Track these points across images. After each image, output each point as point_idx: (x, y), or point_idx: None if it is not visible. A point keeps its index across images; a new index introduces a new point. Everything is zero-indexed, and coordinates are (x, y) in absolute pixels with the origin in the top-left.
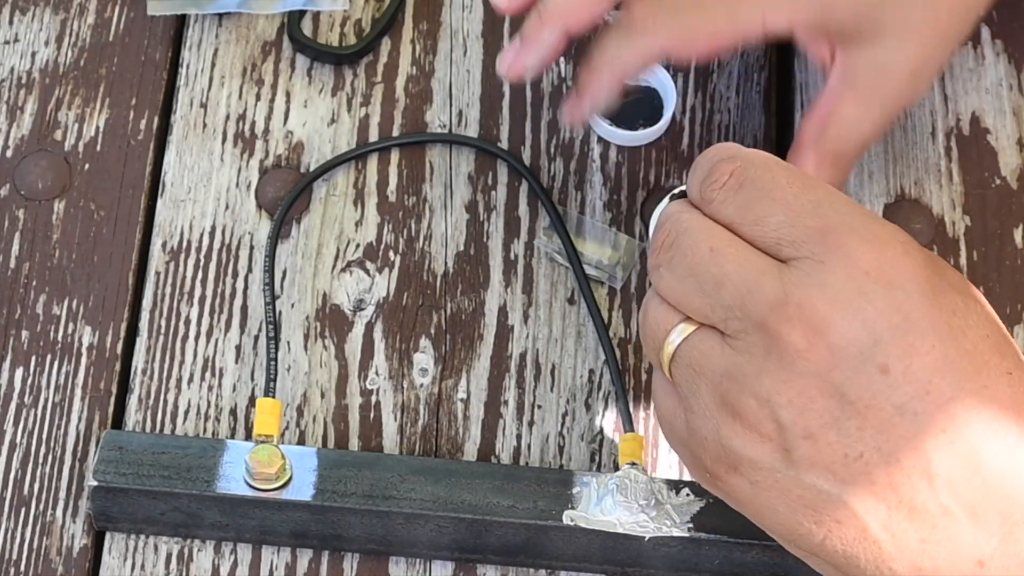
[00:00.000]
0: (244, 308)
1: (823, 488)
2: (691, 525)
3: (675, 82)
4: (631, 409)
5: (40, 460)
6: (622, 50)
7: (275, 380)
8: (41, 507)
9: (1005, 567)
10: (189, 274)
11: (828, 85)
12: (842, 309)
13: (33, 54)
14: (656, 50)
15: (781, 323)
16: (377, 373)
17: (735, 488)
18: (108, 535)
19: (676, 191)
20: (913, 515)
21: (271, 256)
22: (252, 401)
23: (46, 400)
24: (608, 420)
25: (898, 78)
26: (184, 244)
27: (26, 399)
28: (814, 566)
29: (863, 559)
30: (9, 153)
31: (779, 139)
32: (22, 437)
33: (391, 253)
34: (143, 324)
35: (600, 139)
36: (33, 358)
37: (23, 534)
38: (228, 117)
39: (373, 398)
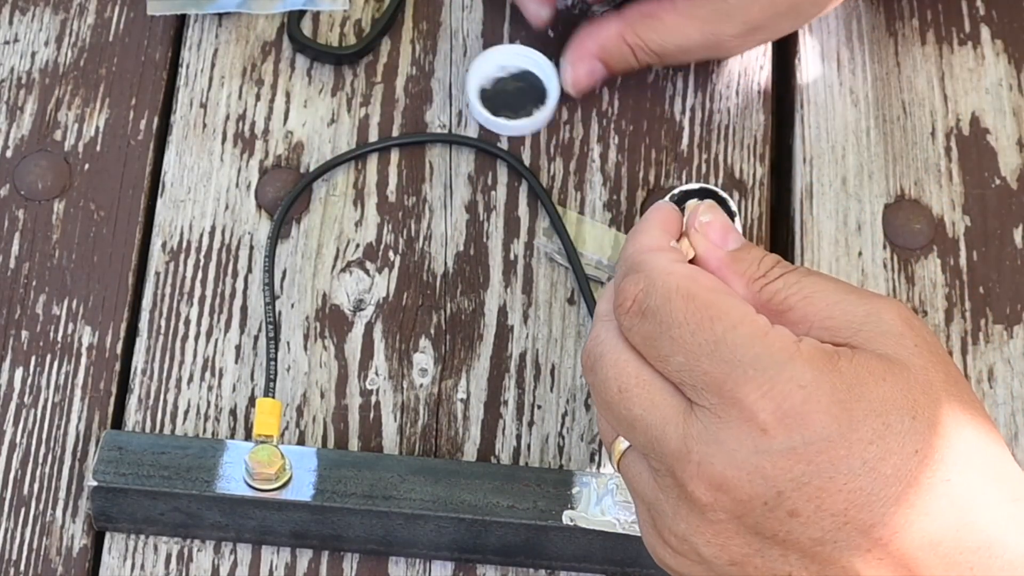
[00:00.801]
0: (244, 308)
1: None
2: None
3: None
4: None
5: (40, 460)
6: None
7: (275, 380)
8: (41, 507)
9: None
10: (189, 274)
11: None
12: (739, 469)
13: (33, 54)
14: None
15: (685, 477)
16: (377, 373)
17: None
18: (108, 535)
19: (676, 191)
20: None
21: (271, 256)
22: (252, 401)
23: (46, 400)
24: None
25: (732, 26)
26: (184, 244)
27: (26, 399)
28: None
29: None
30: (9, 153)
31: (779, 139)
32: (22, 437)
33: (391, 253)
34: (143, 324)
35: (600, 139)
36: (33, 358)
37: (23, 534)
38: (228, 117)
39: (373, 398)
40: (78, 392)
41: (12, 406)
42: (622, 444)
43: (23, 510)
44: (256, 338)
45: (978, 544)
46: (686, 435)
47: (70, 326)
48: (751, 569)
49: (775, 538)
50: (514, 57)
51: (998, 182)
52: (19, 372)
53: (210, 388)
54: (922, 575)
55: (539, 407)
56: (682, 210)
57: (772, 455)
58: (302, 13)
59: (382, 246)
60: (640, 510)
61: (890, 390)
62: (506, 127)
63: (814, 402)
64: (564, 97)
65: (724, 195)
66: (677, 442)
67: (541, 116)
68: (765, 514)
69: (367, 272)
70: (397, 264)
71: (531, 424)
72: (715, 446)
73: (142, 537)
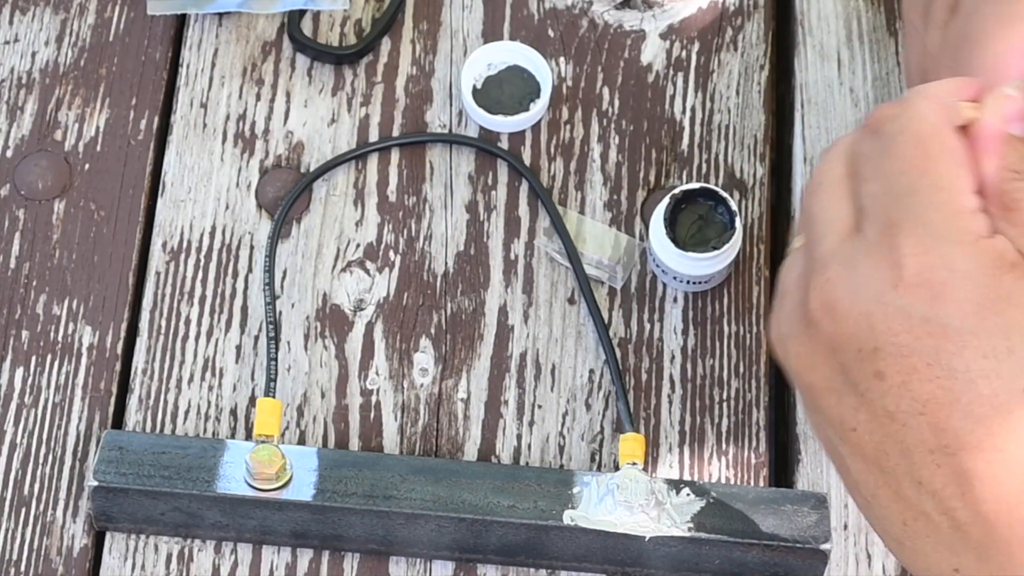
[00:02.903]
0: (244, 308)
1: (826, 432)
2: (691, 525)
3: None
4: (631, 409)
5: (40, 460)
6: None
7: (275, 380)
8: (41, 507)
9: None
10: (189, 274)
11: None
12: (853, 304)
13: (33, 54)
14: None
15: (811, 286)
16: (377, 373)
17: None
18: (108, 535)
19: (676, 191)
20: (898, 499)
21: (271, 256)
22: (252, 401)
23: (46, 400)
24: (608, 420)
25: None
26: (184, 244)
27: (26, 399)
28: None
29: (859, 503)
30: (9, 153)
31: (779, 139)
32: (22, 437)
33: (391, 253)
34: (143, 324)
35: (600, 139)
36: (33, 358)
37: (23, 534)
38: (228, 117)
39: (373, 398)
40: (78, 392)
41: (12, 406)
42: (797, 243)
43: (24, 510)
44: (256, 338)
45: None
46: (835, 251)
47: (70, 326)
48: (823, 403)
49: (855, 388)
50: (501, 53)
51: None
52: (19, 372)
53: (210, 388)
54: (975, 501)
55: (540, 407)
56: (683, 209)
57: (888, 310)
58: (302, 13)
59: (382, 246)
60: (776, 296)
61: None
62: (504, 124)
63: (955, 289)
64: (562, 92)
65: (724, 195)
66: (825, 253)
67: (537, 109)
68: (856, 360)
69: (367, 272)
70: (397, 264)
71: (532, 424)
72: (849, 273)
73: (143, 537)
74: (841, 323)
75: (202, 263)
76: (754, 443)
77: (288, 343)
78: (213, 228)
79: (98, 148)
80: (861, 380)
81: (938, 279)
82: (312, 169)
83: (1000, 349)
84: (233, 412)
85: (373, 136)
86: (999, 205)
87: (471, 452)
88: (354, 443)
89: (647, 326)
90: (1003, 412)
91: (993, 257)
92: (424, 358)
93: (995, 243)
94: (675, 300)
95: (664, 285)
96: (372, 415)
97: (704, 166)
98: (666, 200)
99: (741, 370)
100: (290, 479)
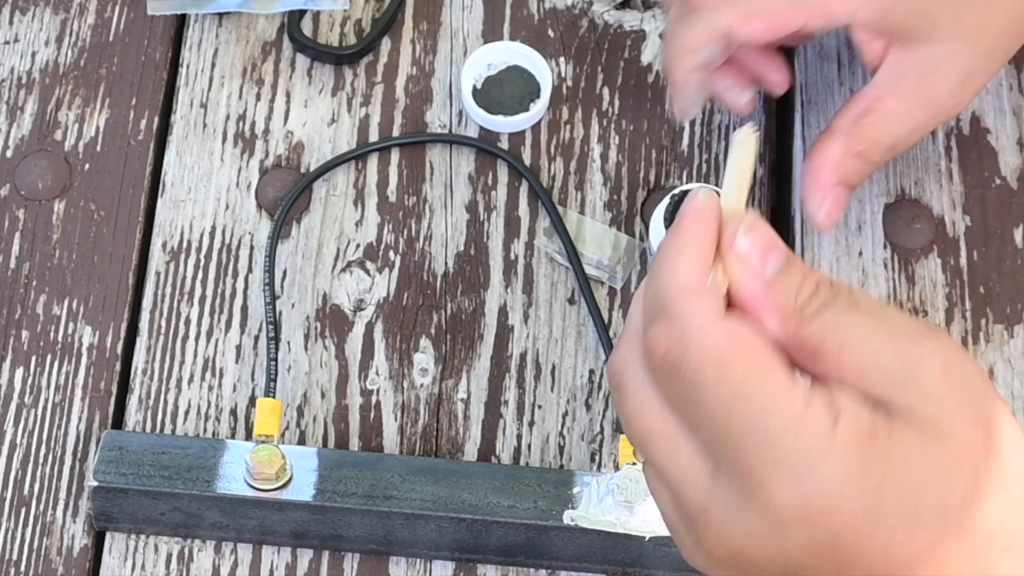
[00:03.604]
0: (244, 308)
1: None
2: None
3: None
4: None
5: (40, 460)
6: (688, 34)
7: (275, 380)
8: (41, 507)
9: None
10: (189, 274)
11: (873, 81)
12: (759, 547)
13: (33, 54)
14: (719, 28)
15: (702, 536)
16: (377, 373)
17: None
18: (108, 535)
19: (676, 191)
20: None
21: (271, 256)
22: (252, 401)
23: (46, 400)
24: (608, 420)
25: (945, 83)
26: (184, 244)
27: (26, 399)
28: None
29: None
30: (9, 153)
31: (779, 139)
32: (22, 437)
33: (391, 253)
34: (143, 324)
35: (600, 139)
36: (33, 358)
37: (23, 534)
38: (228, 117)
39: (373, 398)
40: (78, 392)
41: (12, 406)
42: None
43: (24, 510)
44: (256, 338)
45: None
46: (708, 503)
47: (70, 326)
48: None
49: None
50: (501, 53)
51: (998, 182)
52: (19, 372)
53: (210, 388)
54: None
55: (539, 407)
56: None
57: (789, 546)
58: (302, 13)
59: (382, 246)
60: (660, 514)
61: (925, 469)
62: (504, 124)
63: (842, 499)
64: (562, 92)
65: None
66: (697, 503)
67: (537, 109)
68: None
69: (367, 272)
70: (397, 264)
71: (531, 424)
72: (736, 522)
73: (142, 537)
74: (754, 562)
75: (202, 263)
76: None
77: (288, 343)
78: (213, 228)
79: (98, 148)
80: None
81: (821, 504)
82: (312, 169)
83: (903, 518)
84: (233, 412)
85: (373, 136)
86: (805, 355)
87: (471, 452)
88: (354, 443)
89: None
90: (932, 560)
91: (852, 441)
92: (424, 358)
93: (844, 422)
94: None
95: None
96: (372, 415)
97: (704, 166)
98: (666, 200)
99: None
100: (290, 479)
